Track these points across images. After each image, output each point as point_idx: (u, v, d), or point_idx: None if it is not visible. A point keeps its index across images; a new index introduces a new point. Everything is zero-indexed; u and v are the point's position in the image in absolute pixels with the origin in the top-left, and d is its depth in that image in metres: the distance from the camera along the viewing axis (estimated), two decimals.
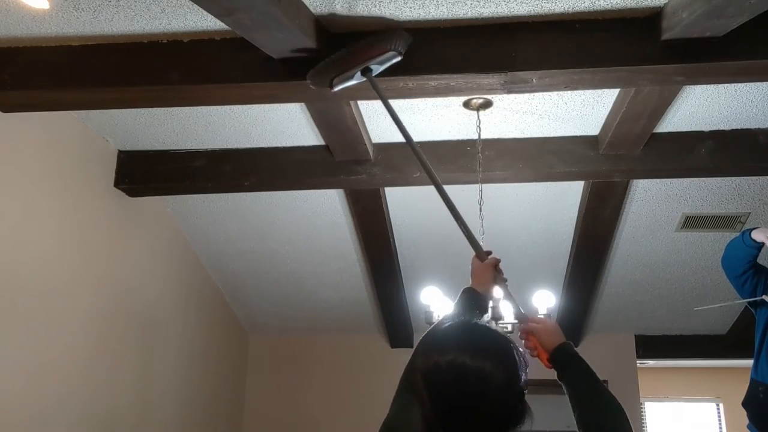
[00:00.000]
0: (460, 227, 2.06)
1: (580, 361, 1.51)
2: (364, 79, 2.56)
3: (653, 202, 4.33)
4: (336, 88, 2.60)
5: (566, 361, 1.52)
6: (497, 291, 1.91)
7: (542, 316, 1.65)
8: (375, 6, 2.60)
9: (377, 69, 2.54)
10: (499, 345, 1.31)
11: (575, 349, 1.55)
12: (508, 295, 1.88)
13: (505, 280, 1.90)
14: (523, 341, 1.64)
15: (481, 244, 3.41)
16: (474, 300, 1.78)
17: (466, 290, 1.83)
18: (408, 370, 1.44)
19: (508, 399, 1.25)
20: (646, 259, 4.89)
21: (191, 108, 3.50)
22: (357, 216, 4.45)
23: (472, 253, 3.67)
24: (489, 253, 1.92)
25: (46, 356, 3.39)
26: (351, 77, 2.54)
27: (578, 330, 5.54)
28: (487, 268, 1.88)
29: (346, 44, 2.54)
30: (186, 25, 2.78)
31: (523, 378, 1.29)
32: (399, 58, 2.57)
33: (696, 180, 4.08)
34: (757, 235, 3.07)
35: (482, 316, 1.78)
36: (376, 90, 2.52)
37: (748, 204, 4.29)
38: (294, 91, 2.92)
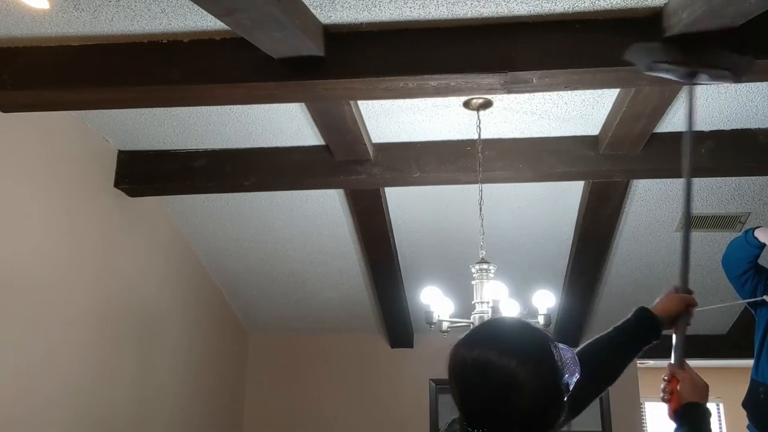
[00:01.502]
0: (684, 255, 1.85)
1: (700, 427, 1.42)
2: (684, 81, 2.35)
3: (653, 202, 4.33)
4: (652, 72, 2.40)
5: (688, 421, 1.44)
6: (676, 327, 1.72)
7: (693, 371, 1.56)
8: (375, 6, 2.60)
9: (704, 79, 2.34)
10: (531, 343, 1.23)
11: (708, 416, 1.45)
12: (681, 340, 1.69)
13: (688, 324, 1.71)
14: (663, 381, 1.55)
15: (482, 243, 3.44)
16: (647, 320, 1.64)
17: (642, 309, 1.67)
18: None
19: (536, 401, 1.18)
20: (646, 259, 4.89)
21: (191, 108, 3.50)
22: (357, 216, 4.45)
23: (471, 254, 3.66)
24: (690, 292, 1.74)
25: (46, 356, 3.39)
26: (674, 71, 2.32)
27: (578, 330, 5.54)
28: (681, 301, 1.69)
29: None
30: (186, 25, 2.78)
31: (566, 382, 1.22)
32: (730, 82, 2.45)
33: (696, 180, 4.08)
34: (760, 234, 3.05)
35: (650, 342, 1.63)
36: (690, 100, 2.23)
37: (748, 204, 4.29)
38: (294, 91, 2.92)
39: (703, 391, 1.51)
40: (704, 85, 3.20)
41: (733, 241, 3.24)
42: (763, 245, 3.07)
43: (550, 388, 1.20)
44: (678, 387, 1.50)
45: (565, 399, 1.22)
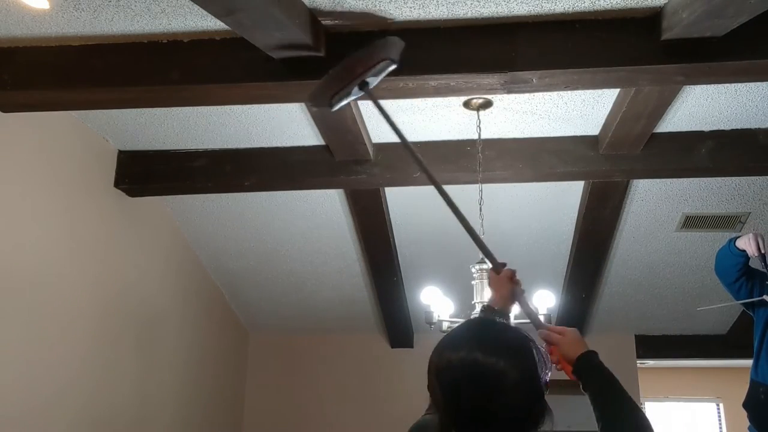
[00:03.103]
0: (471, 236, 1.92)
1: (602, 371, 1.42)
2: (362, 93, 2.46)
3: (653, 202, 4.33)
4: (336, 107, 2.41)
5: (589, 371, 1.44)
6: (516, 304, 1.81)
7: (564, 327, 1.55)
8: (375, 6, 2.60)
9: (374, 81, 2.38)
10: (514, 342, 1.26)
11: (598, 358, 1.46)
12: (527, 307, 1.76)
13: (523, 291, 1.78)
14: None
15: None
16: (495, 314, 1.71)
17: (484, 309, 1.78)
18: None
19: (523, 398, 1.20)
20: (646, 259, 4.89)
21: (191, 108, 3.50)
22: (357, 216, 4.45)
23: (472, 254, 3.67)
24: (504, 264, 1.79)
25: (46, 356, 3.40)
26: (349, 93, 2.35)
27: (578, 330, 5.53)
28: (503, 280, 1.76)
29: (341, 60, 2.43)
30: (186, 25, 2.78)
31: (543, 378, 1.24)
32: (394, 66, 2.41)
33: (696, 180, 4.08)
34: (740, 243, 3.08)
35: None
36: (375, 103, 2.34)
37: (748, 204, 4.29)
38: (294, 91, 2.92)
39: (579, 339, 1.51)
40: (704, 86, 3.20)
41: (719, 250, 3.26)
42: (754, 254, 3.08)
43: (536, 385, 1.22)
44: (561, 351, 1.49)
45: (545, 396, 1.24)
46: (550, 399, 1.26)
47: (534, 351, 1.25)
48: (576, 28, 2.67)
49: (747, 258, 3.11)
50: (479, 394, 1.19)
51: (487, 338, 1.26)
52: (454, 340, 1.29)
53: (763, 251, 3.02)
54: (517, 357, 1.22)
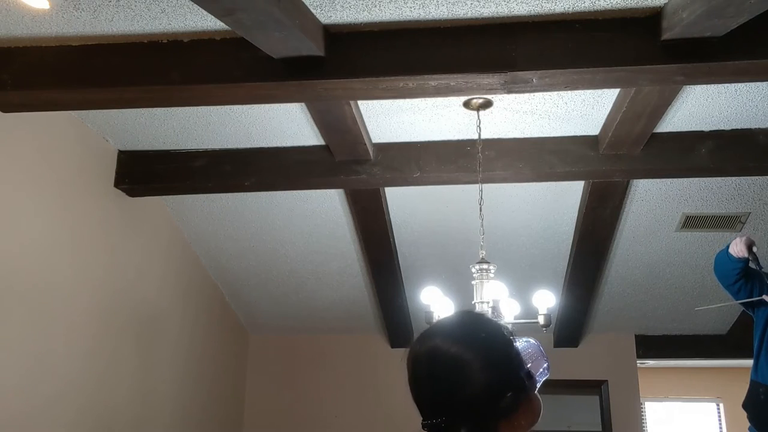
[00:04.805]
0: None
1: None
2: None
3: (653, 202, 4.33)
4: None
5: None
6: None
7: None
8: (375, 6, 2.60)
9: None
10: (480, 331, 1.19)
11: None
12: None
13: None
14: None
15: (482, 243, 3.44)
16: None
17: None
18: None
19: (487, 386, 1.12)
20: (646, 259, 4.89)
21: (191, 108, 3.50)
22: (357, 216, 4.45)
23: (472, 254, 3.65)
24: None
25: (47, 356, 3.40)
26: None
27: (578, 330, 5.54)
28: None
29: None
30: (186, 25, 2.78)
31: (526, 370, 1.17)
32: None
33: (696, 180, 4.08)
34: (733, 249, 3.09)
35: None
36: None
37: (748, 204, 4.29)
38: (294, 91, 2.92)
39: None
40: (704, 86, 3.21)
41: (717, 255, 3.27)
42: (746, 258, 3.09)
43: (505, 375, 1.15)
44: None
45: (532, 391, 1.18)
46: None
47: (511, 343, 1.18)
48: (576, 28, 2.68)
49: (744, 263, 3.12)
50: (439, 381, 1.16)
51: (452, 328, 1.22)
52: (423, 334, 1.25)
53: (753, 252, 3.04)
54: (482, 345, 1.16)
